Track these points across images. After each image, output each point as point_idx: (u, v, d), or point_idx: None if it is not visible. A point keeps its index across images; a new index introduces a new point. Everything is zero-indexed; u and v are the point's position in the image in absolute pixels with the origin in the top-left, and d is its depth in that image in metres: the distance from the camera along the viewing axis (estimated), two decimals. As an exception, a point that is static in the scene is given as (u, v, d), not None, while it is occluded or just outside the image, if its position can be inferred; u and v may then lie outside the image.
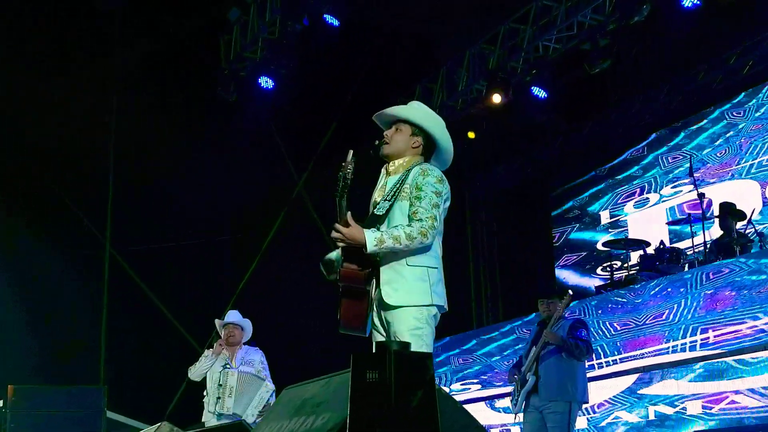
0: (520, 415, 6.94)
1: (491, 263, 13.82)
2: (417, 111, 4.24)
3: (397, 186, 4.07)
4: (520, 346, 9.65)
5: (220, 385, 7.31)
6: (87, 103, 11.41)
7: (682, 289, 8.44)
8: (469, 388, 10.22)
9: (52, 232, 11.15)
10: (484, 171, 13.95)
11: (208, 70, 11.93)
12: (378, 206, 4.09)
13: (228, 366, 7.41)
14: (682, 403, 7.91)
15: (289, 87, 11.77)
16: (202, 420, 7.45)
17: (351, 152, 3.89)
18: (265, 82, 11.61)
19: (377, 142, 4.19)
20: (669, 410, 8.00)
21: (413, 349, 3.69)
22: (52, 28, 11.21)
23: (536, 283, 12.56)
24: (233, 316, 7.73)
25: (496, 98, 11.01)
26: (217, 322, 7.76)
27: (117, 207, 11.88)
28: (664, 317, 8.46)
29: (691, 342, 8.04)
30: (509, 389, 9.27)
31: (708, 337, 7.89)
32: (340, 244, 4.00)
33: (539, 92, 11.18)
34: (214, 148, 12.17)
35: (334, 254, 4.15)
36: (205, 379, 7.53)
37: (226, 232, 12.31)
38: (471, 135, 12.49)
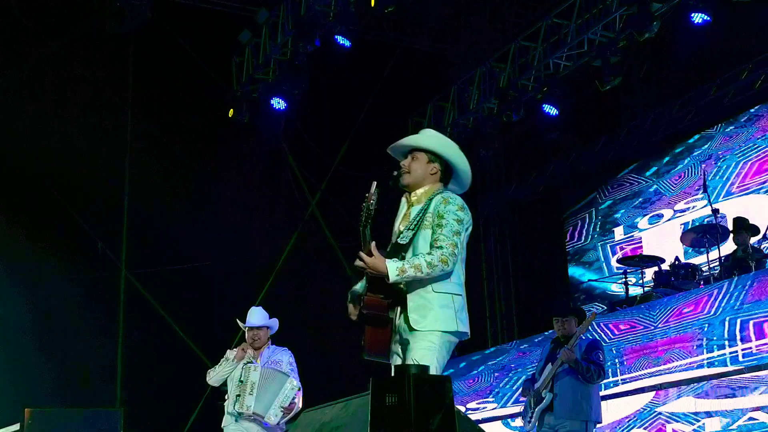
0: (534, 433, 6.91)
1: (505, 281, 13.79)
2: (431, 138, 4.28)
3: (420, 215, 4.12)
4: (534, 364, 9.66)
5: (242, 382, 6.74)
6: (101, 128, 11.51)
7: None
8: (485, 407, 10.20)
9: (68, 256, 11.23)
10: (497, 188, 13.96)
11: (221, 92, 12.02)
12: (401, 235, 4.14)
13: (251, 362, 6.87)
14: (701, 420, 7.87)
15: (301, 107, 11.84)
16: (222, 426, 6.97)
17: (374, 184, 3.96)
18: (278, 103, 11.68)
19: (395, 172, 4.21)
20: (687, 428, 7.96)
21: (422, 362, 3.74)
22: (66, 51, 11.32)
23: (551, 300, 12.53)
24: (257, 316, 7.06)
25: None
26: (240, 323, 7.15)
27: (132, 230, 11.93)
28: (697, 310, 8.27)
29: (718, 356, 7.96)
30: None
31: (736, 351, 7.80)
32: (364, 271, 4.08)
33: (550, 110, 11.17)
34: (227, 169, 12.24)
35: (359, 286, 4.19)
36: (224, 383, 6.98)
37: (240, 253, 12.34)
38: None
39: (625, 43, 10.04)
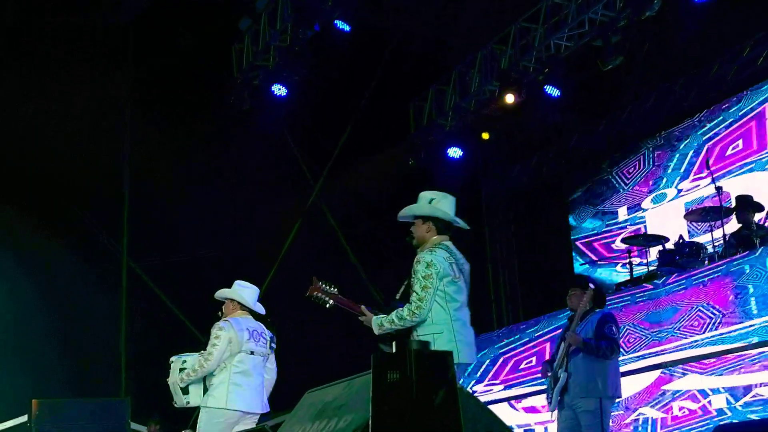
0: (556, 413, 6.85)
1: (510, 263, 13.77)
2: (418, 207, 5.04)
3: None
4: (538, 348, 9.66)
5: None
6: (102, 117, 11.51)
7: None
8: (492, 389, 10.20)
9: (72, 246, 11.24)
10: (500, 171, 13.91)
11: (222, 80, 11.98)
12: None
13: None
14: (707, 397, 7.85)
15: (303, 93, 11.79)
16: None
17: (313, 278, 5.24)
18: (278, 90, 11.62)
19: (407, 238, 5.12)
20: (692, 405, 7.94)
21: None
22: (67, 42, 11.30)
23: (555, 282, 12.50)
24: (234, 287, 6.82)
25: (510, 98, 11.00)
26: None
27: (133, 220, 11.94)
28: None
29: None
30: (530, 389, 9.24)
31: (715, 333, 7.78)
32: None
33: (552, 91, 11.10)
34: (229, 157, 12.21)
35: None
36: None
37: (243, 241, 12.32)
38: (485, 136, 12.47)
39: (626, 23, 9.97)
